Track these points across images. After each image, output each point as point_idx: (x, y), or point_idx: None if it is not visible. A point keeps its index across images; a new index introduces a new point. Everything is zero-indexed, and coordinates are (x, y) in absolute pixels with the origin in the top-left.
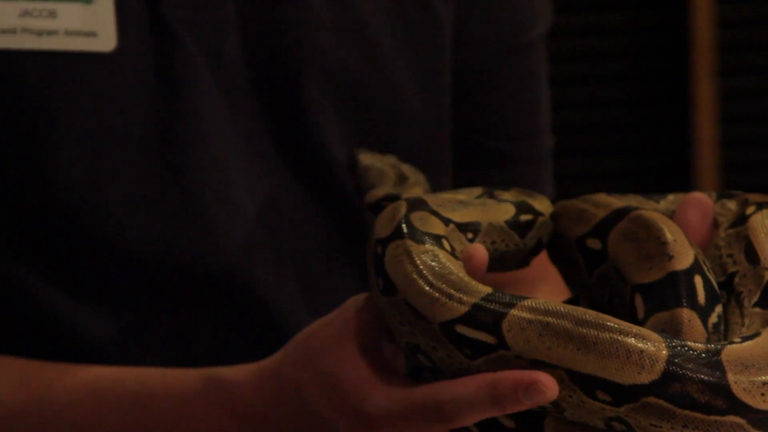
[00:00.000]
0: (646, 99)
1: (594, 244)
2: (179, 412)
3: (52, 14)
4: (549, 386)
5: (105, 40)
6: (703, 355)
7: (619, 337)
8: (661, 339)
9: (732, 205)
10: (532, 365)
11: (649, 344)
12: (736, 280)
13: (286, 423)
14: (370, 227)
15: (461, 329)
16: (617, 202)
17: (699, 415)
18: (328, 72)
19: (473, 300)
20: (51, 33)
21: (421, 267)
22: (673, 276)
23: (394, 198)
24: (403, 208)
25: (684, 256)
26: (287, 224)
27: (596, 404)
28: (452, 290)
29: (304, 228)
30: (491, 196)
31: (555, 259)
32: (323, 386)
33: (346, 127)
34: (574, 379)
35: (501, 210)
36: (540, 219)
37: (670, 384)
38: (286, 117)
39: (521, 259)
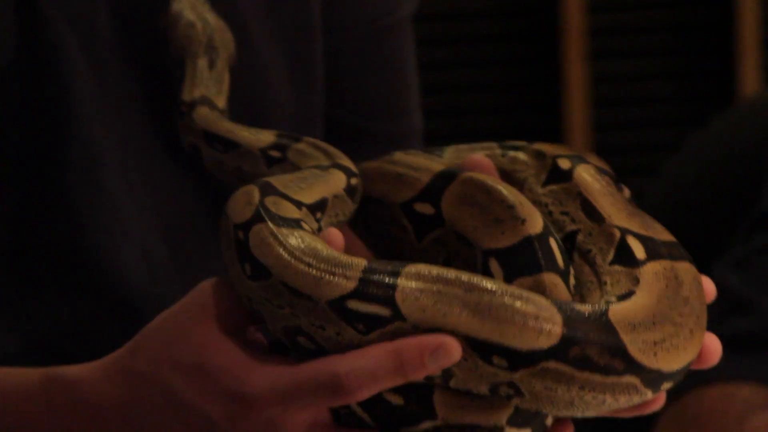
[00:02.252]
0: (518, 83)
1: (424, 208)
2: (21, 413)
3: None
4: (454, 347)
5: None
6: (593, 317)
7: (512, 302)
8: (550, 303)
9: (524, 156)
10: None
11: (542, 309)
12: (580, 238)
13: (144, 419)
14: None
15: (353, 304)
16: (430, 163)
17: (597, 377)
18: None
19: (357, 274)
20: None
21: (292, 248)
22: (529, 240)
23: (202, 103)
24: (256, 192)
25: (535, 219)
26: (160, 205)
27: (491, 369)
28: (332, 267)
29: (177, 208)
30: (284, 154)
31: (365, 226)
32: (187, 374)
33: None
34: (472, 345)
35: (336, 178)
36: (360, 180)
37: (570, 348)
38: (160, 95)
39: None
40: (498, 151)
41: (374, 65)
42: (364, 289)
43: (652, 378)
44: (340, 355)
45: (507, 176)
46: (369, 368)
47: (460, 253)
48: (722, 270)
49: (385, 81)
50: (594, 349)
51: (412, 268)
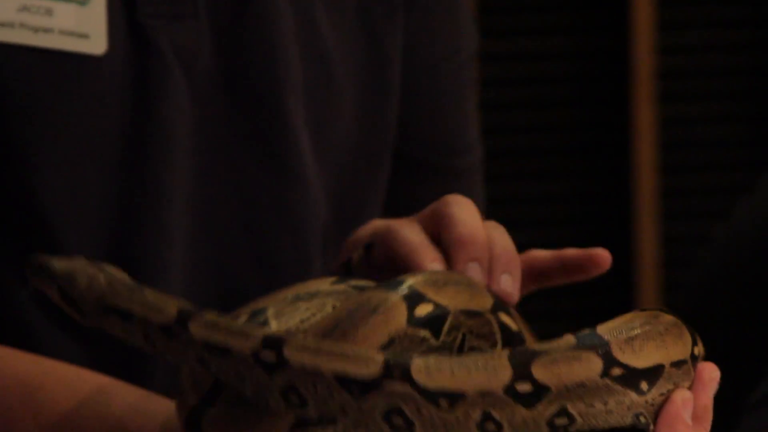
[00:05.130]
0: (586, 125)
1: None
2: None
3: (49, 12)
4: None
5: (97, 42)
6: None
7: None
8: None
9: None
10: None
11: None
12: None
13: None
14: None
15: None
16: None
17: None
18: (294, 84)
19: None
20: (47, 30)
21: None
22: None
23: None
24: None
25: None
26: (253, 237)
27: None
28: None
29: (272, 240)
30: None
31: None
32: None
33: (308, 138)
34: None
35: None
36: None
37: None
38: (257, 130)
39: None
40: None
41: (442, 102)
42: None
43: None
44: None
45: None
46: None
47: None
48: None
49: (452, 117)
50: None
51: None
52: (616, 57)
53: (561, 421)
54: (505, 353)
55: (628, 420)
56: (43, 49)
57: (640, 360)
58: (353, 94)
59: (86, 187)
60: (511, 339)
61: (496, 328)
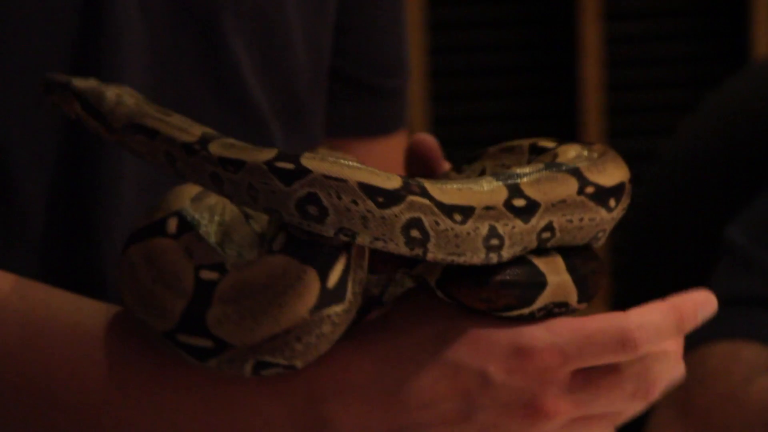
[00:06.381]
0: (532, 43)
1: None
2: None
3: None
4: (714, 301)
5: None
6: None
7: None
8: None
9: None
10: None
11: None
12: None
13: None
14: None
15: None
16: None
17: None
18: (236, 6)
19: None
20: None
21: None
22: None
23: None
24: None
25: None
26: None
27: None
28: None
29: None
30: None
31: None
32: (458, 337)
33: (253, 60)
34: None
35: None
36: None
37: None
38: (198, 49)
39: None
40: None
41: (381, 24)
42: None
43: None
44: (624, 313)
45: None
46: (656, 323)
47: None
48: (733, 229)
49: (390, 39)
50: None
51: None
52: None
53: (546, 235)
54: (492, 176)
55: (590, 236)
56: None
57: (607, 179)
58: (299, 17)
59: (37, 102)
60: None
61: None
